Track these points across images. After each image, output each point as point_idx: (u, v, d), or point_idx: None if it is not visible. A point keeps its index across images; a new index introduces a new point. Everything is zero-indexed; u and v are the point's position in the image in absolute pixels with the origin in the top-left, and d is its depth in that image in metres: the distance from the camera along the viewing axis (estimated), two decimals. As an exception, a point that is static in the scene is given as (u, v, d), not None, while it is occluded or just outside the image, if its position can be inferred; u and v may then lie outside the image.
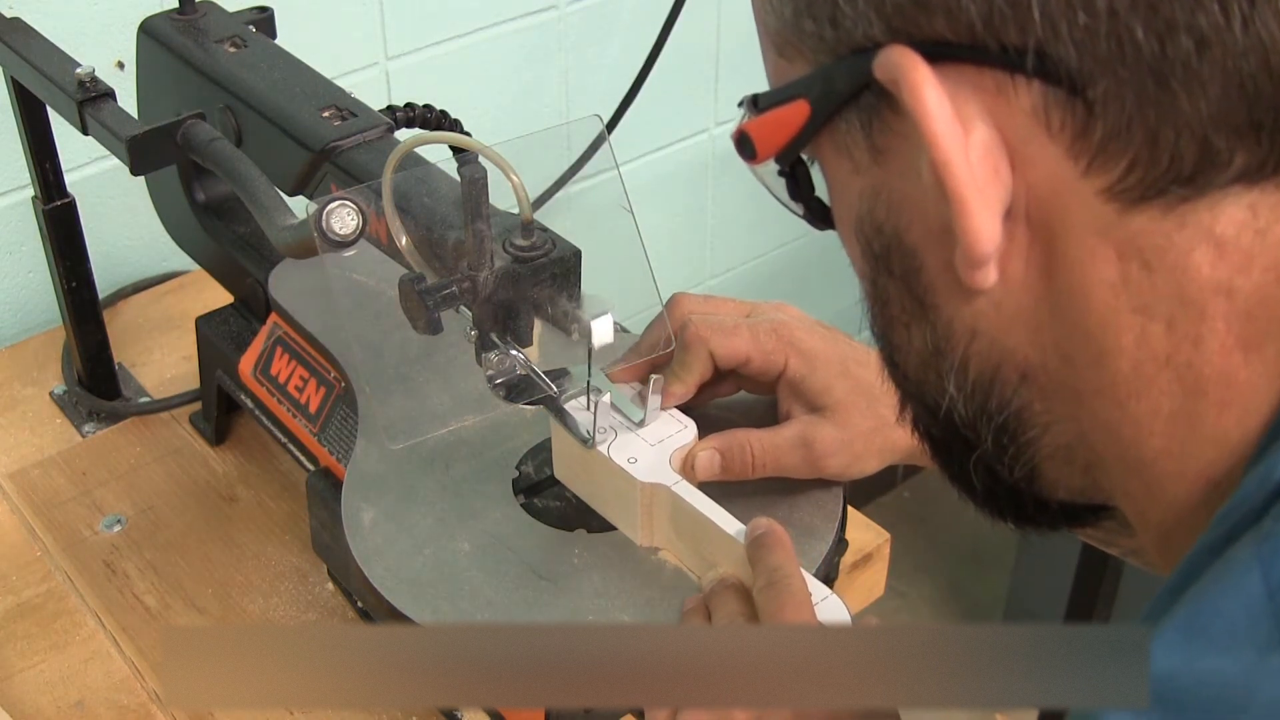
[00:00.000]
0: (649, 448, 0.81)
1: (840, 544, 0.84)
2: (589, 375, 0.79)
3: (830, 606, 0.73)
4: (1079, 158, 0.44)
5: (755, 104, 0.51)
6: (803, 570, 0.74)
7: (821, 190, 0.54)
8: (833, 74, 0.48)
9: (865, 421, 0.83)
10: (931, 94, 0.44)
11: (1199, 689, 0.41)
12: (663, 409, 0.83)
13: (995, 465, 0.53)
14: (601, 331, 0.74)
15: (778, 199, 0.55)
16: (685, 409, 0.84)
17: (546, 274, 0.73)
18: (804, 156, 0.53)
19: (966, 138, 0.45)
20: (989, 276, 0.47)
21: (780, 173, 0.54)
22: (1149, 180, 0.44)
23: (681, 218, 1.79)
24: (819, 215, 0.55)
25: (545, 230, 0.74)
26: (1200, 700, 0.41)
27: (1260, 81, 0.42)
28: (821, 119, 0.49)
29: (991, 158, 0.45)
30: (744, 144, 0.52)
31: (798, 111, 0.49)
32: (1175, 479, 0.48)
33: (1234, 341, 0.46)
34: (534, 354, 0.77)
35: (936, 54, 0.44)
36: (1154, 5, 0.41)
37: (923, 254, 0.50)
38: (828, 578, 0.83)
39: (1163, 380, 0.47)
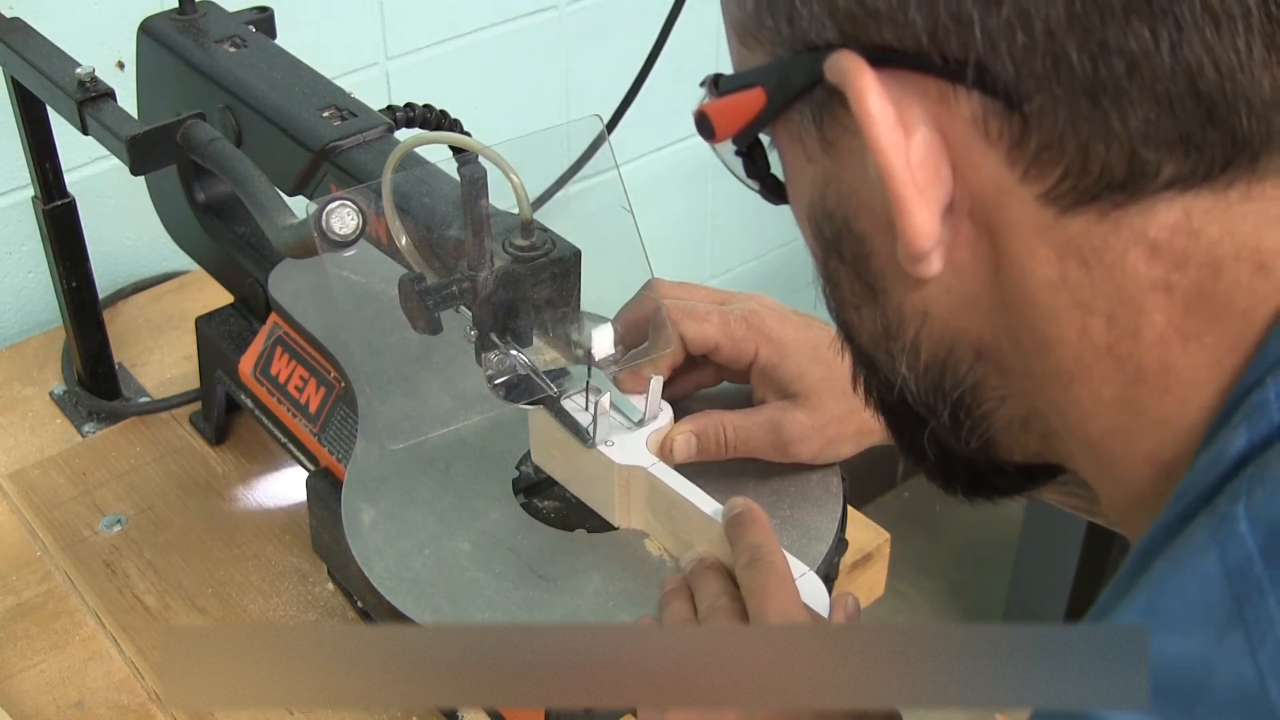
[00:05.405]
0: (625, 431, 0.81)
1: (840, 544, 0.84)
2: (588, 376, 0.79)
3: (809, 583, 0.74)
4: (1015, 165, 0.47)
5: (716, 86, 0.53)
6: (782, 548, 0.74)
7: (778, 169, 0.56)
8: (788, 68, 0.50)
9: (838, 406, 0.84)
10: (875, 101, 0.46)
11: (1161, 669, 0.42)
12: (637, 392, 0.84)
13: (949, 440, 0.55)
14: (602, 342, 0.75)
15: (734, 175, 0.57)
16: (669, 399, 0.84)
17: (546, 274, 0.73)
18: (762, 138, 0.54)
19: (908, 141, 0.47)
20: (931, 268, 0.49)
21: (737, 153, 0.56)
22: (1082, 188, 0.46)
23: (681, 218, 1.79)
24: (774, 191, 0.57)
25: (545, 230, 0.74)
26: (1163, 680, 0.42)
27: (1187, 102, 0.44)
28: (776, 108, 0.51)
29: (932, 159, 0.47)
30: (703, 124, 0.53)
31: (754, 99, 0.51)
32: (1124, 459, 0.50)
33: (1172, 332, 0.47)
34: (534, 354, 0.77)
35: (884, 59, 0.46)
36: (1088, 28, 0.43)
37: (871, 242, 0.52)
38: (828, 578, 0.83)
39: (1104, 369, 0.49)
